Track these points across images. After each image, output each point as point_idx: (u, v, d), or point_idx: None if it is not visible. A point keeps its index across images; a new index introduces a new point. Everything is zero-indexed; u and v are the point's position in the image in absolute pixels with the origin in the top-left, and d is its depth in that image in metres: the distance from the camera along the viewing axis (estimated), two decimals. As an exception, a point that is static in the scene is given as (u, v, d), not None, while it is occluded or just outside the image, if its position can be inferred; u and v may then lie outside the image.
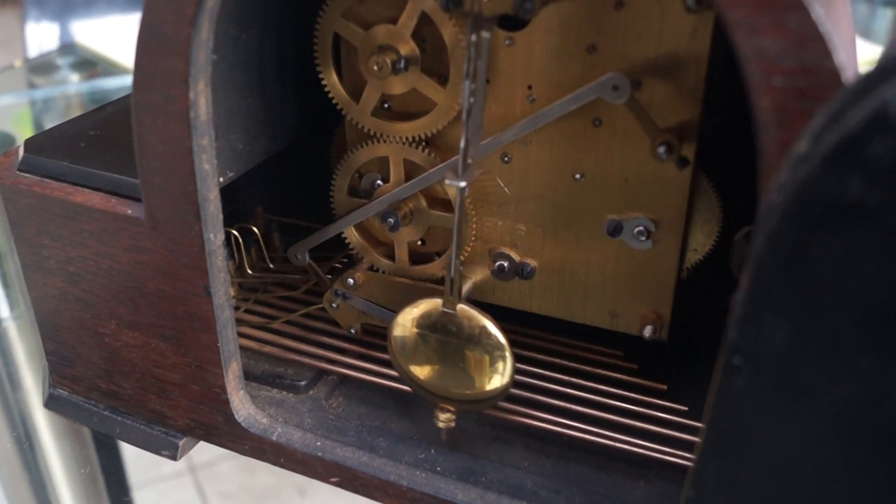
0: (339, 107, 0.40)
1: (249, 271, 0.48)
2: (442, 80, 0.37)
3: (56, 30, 1.31)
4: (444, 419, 0.39)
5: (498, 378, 0.37)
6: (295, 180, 0.52)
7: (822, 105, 0.22)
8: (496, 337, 0.36)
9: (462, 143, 0.33)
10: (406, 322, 0.38)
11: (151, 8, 0.31)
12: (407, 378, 0.39)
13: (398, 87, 0.38)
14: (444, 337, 0.37)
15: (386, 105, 0.39)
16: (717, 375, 0.26)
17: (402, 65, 0.37)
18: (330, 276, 0.45)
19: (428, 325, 0.37)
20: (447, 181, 0.34)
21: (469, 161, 0.33)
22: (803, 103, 0.24)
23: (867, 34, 1.17)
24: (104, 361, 0.42)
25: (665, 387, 0.41)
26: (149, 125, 0.34)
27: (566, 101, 0.34)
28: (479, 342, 0.37)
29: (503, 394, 0.38)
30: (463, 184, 0.34)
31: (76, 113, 0.44)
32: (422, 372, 0.38)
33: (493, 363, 0.37)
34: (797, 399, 0.24)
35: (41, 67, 1.07)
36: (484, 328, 0.36)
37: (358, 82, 0.39)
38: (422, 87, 0.37)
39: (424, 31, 0.37)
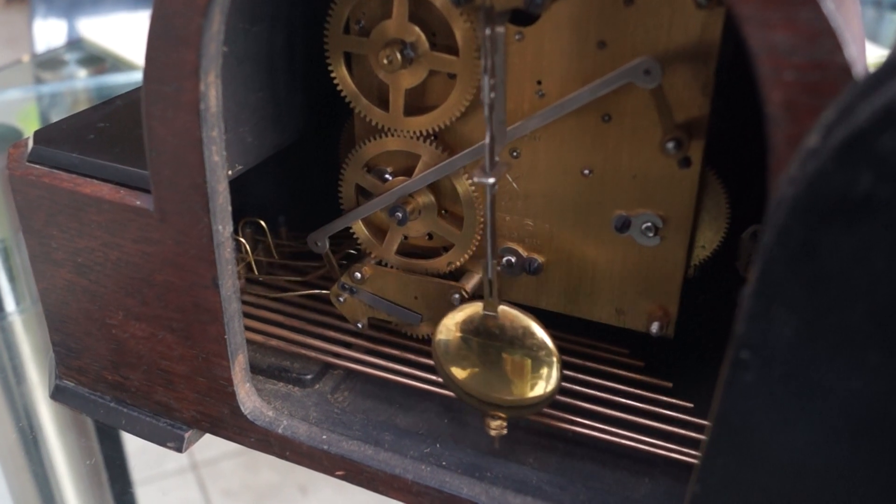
0: (348, 100, 0.40)
1: (255, 272, 0.48)
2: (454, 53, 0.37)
3: (64, 26, 1.31)
4: (496, 426, 0.38)
5: (542, 384, 0.37)
6: (303, 174, 0.52)
7: (832, 100, 0.22)
8: (542, 339, 0.36)
9: (487, 139, 0.33)
10: (450, 325, 0.38)
11: (163, -1, 0.31)
12: (451, 384, 0.39)
13: (416, 75, 0.38)
14: (487, 340, 0.37)
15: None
16: (724, 370, 0.26)
17: (411, 52, 0.37)
18: (345, 262, 0.46)
19: (471, 328, 0.37)
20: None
21: (496, 158, 0.33)
22: (814, 98, 0.24)
23: (875, 38, 1.17)
24: (111, 353, 0.42)
25: (671, 384, 0.41)
26: (159, 117, 0.34)
27: (594, 86, 0.34)
28: (523, 344, 0.36)
29: (549, 399, 0.37)
30: (492, 180, 0.33)
31: (83, 108, 0.44)
32: (466, 377, 0.38)
33: (537, 367, 0.37)
34: (805, 394, 0.24)
35: (48, 63, 1.07)
36: (527, 328, 0.36)
37: (368, 76, 0.39)
38: (438, 66, 0.37)
39: (434, 25, 0.37)
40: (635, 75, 0.33)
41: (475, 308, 0.37)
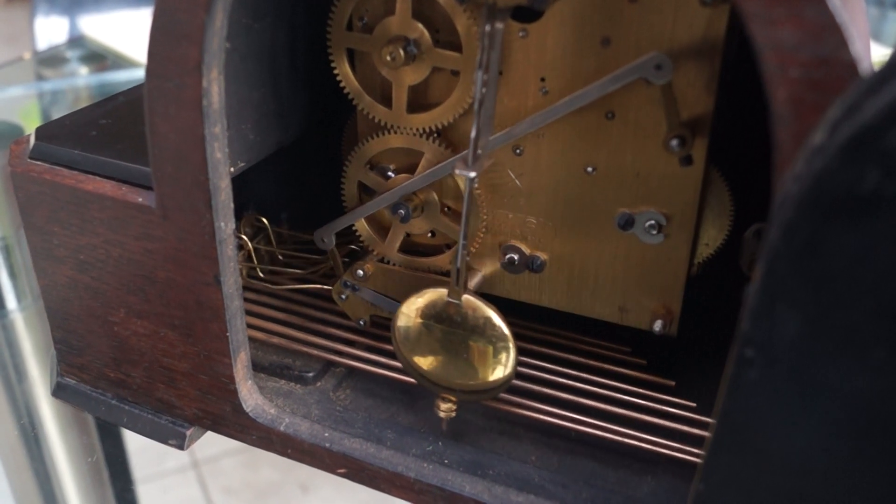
0: (350, 97, 0.40)
1: (257, 269, 0.48)
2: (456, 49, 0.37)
3: (65, 23, 1.31)
4: (445, 409, 0.39)
5: (501, 369, 0.37)
6: (306, 171, 0.52)
7: (838, 96, 0.22)
8: (500, 328, 0.36)
9: (473, 134, 0.33)
10: (410, 312, 0.38)
11: (166, -6, 0.31)
12: (409, 367, 0.39)
13: (419, 72, 0.38)
14: (447, 327, 0.37)
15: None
16: (728, 368, 0.26)
17: (414, 48, 0.37)
18: (347, 260, 0.46)
19: (432, 314, 0.38)
20: (457, 171, 0.34)
21: (479, 152, 0.33)
22: (819, 95, 0.24)
23: (877, 37, 1.17)
24: (113, 350, 0.42)
25: (673, 383, 0.41)
26: (161, 113, 0.34)
27: (604, 82, 0.34)
28: (483, 333, 0.37)
29: (505, 385, 0.38)
30: (473, 174, 0.34)
31: (84, 106, 0.44)
32: (424, 361, 0.39)
33: (496, 354, 0.37)
34: (809, 392, 0.24)
35: (50, 60, 1.07)
36: (488, 319, 0.37)
37: (371, 73, 0.39)
38: (441, 63, 0.37)
39: (437, 21, 0.37)
40: (646, 71, 0.33)
41: (437, 294, 0.37)
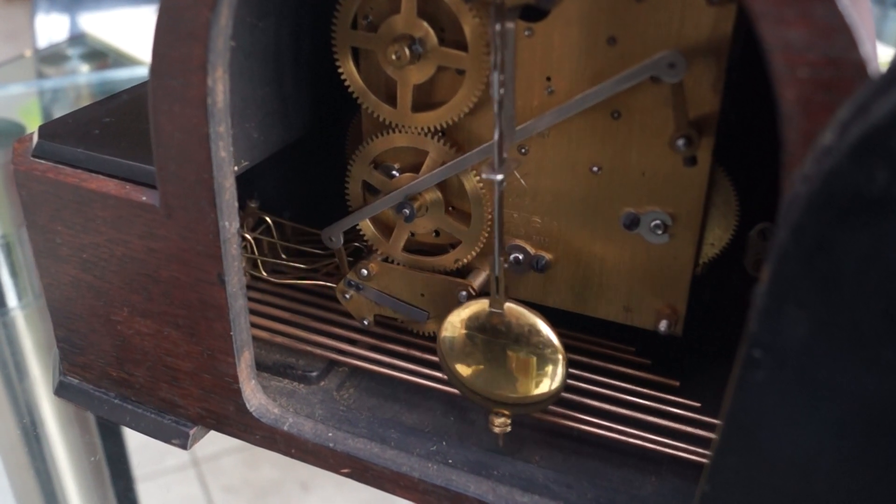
0: (355, 96, 0.40)
1: (260, 268, 0.48)
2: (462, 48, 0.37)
3: (66, 21, 1.31)
4: (500, 423, 0.38)
5: (547, 381, 0.37)
6: (309, 170, 0.52)
7: (847, 97, 0.22)
8: (548, 337, 0.36)
9: (496, 136, 0.32)
10: (455, 323, 0.38)
11: (171, -7, 0.31)
12: (456, 381, 0.39)
13: (424, 71, 0.38)
14: (492, 338, 0.37)
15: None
16: (735, 368, 0.25)
17: (419, 47, 0.37)
18: (351, 259, 0.45)
19: (476, 326, 0.37)
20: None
21: (505, 154, 0.33)
22: (828, 95, 0.24)
23: (878, 36, 1.17)
24: (116, 349, 0.42)
25: (678, 383, 0.41)
26: (165, 112, 0.33)
27: (615, 81, 0.34)
28: (529, 341, 0.36)
29: (555, 397, 0.37)
30: (500, 177, 0.33)
31: (85, 104, 0.44)
32: (471, 374, 0.38)
33: (542, 364, 0.37)
34: (817, 393, 0.24)
35: (51, 58, 1.07)
36: (533, 326, 0.36)
37: (375, 71, 0.39)
38: (446, 61, 0.37)
39: (442, 20, 0.37)
40: (659, 69, 0.33)
41: (481, 305, 0.37)
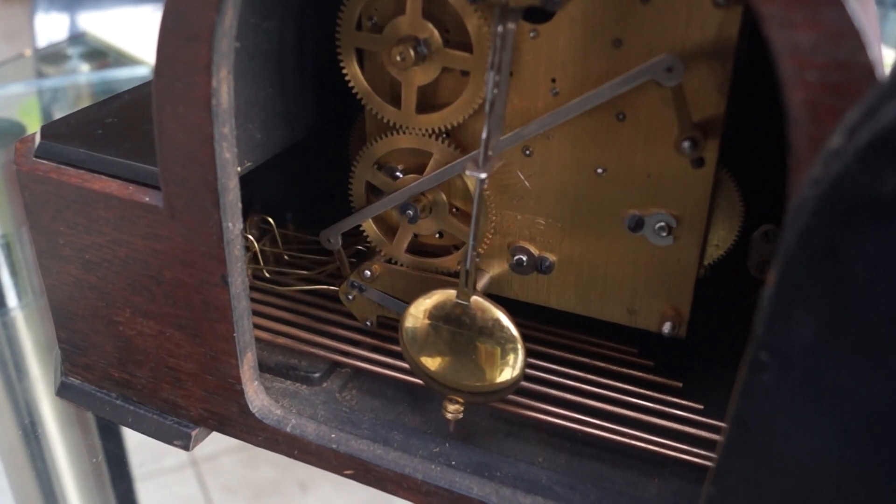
0: (359, 97, 0.40)
1: (263, 269, 0.48)
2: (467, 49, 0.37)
3: (66, 20, 1.31)
4: (453, 410, 0.39)
5: (509, 370, 0.37)
6: (313, 171, 0.52)
7: (855, 100, 0.22)
8: (509, 329, 0.36)
9: (484, 135, 0.33)
10: (418, 313, 0.38)
11: (176, -6, 0.31)
12: (417, 369, 0.39)
13: (428, 73, 0.37)
14: (456, 328, 0.37)
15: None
16: (742, 371, 0.25)
17: (424, 48, 0.37)
18: (354, 260, 0.45)
19: (440, 316, 0.38)
20: (467, 172, 0.34)
21: (490, 153, 0.33)
22: (836, 98, 0.24)
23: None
24: (118, 350, 0.42)
25: (680, 384, 0.41)
26: (170, 112, 0.33)
27: (614, 83, 0.34)
28: (492, 334, 0.37)
29: (513, 386, 0.38)
30: (483, 175, 0.33)
31: (85, 103, 0.44)
32: (432, 363, 0.39)
33: (504, 355, 0.37)
34: (824, 397, 0.24)
35: (51, 57, 1.07)
36: (497, 321, 0.36)
37: (380, 73, 0.39)
38: (451, 63, 0.37)
39: (447, 21, 0.37)
40: (657, 72, 0.33)
41: (445, 295, 0.37)
